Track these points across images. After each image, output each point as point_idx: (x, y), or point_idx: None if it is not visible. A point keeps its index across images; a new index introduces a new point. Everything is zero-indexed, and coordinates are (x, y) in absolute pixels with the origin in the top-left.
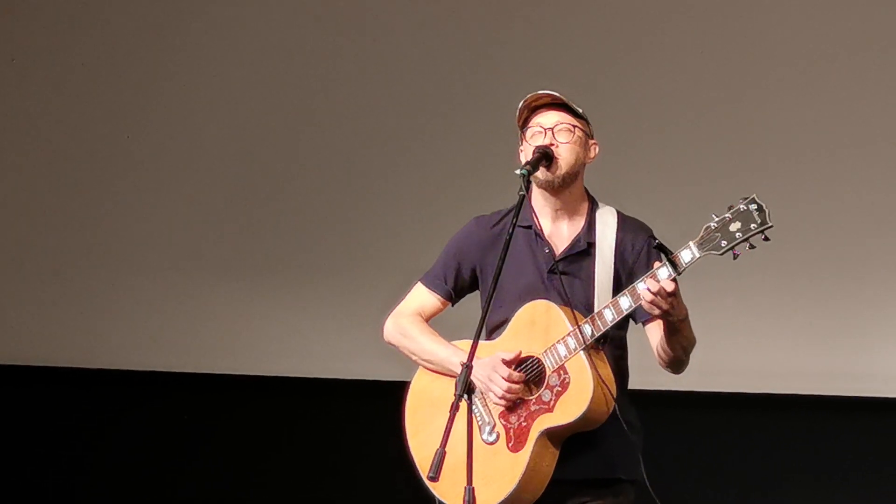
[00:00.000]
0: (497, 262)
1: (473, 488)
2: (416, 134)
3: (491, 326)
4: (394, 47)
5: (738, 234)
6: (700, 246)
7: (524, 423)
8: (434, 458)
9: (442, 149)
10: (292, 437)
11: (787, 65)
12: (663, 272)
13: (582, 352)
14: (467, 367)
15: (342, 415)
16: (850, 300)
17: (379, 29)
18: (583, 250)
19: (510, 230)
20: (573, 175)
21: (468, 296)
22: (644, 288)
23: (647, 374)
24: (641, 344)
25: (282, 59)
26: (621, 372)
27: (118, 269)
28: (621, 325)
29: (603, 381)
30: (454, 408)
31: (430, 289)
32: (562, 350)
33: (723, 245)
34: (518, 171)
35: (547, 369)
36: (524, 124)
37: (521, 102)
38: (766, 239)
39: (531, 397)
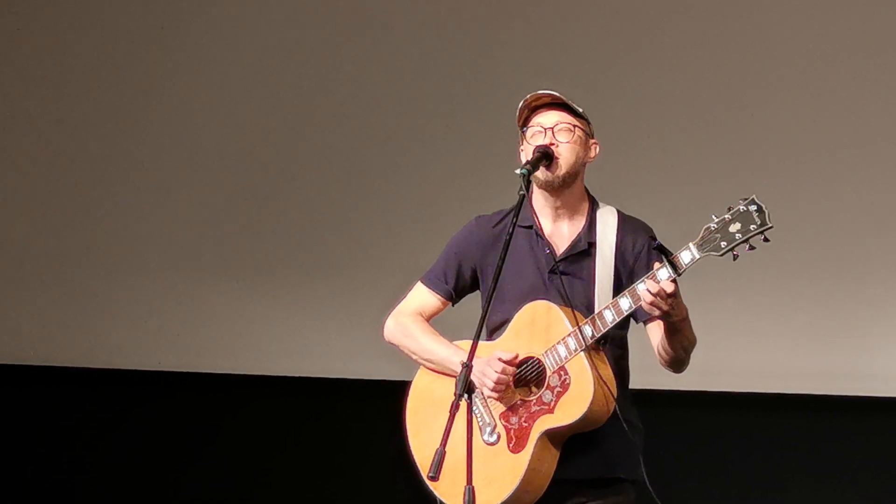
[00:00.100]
0: (497, 262)
1: (473, 488)
2: (416, 134)
3: (491, 327)
4: (394, 47)
5: (737, 234)
6: (700, 247)
7: (525, 424)
8: (434, 457)
9: (442, 149)
10: (292, 437)
11: (787, 65)
12: (663, 273)
13: (582, 353)
14: (467, 367)
15: (342, 415)
16: (850, 300)
17: (379, 29)
18: (583, 250)
19: (510, 230)
20: (573, 175)
21: (468, 296)
22: (644, 289)
23: (648, 373)
24: (642, 344)
25: (282, 59)
26: (622, 372)
27: (118, 268)
28: (622, 325)
29: (603, 381)
30: (454, 407)
31: (430, 288)
32: (562, 351)
33: (722, 246)
34: (518, 171)
35: (547, 370)
36: (524, 124)
37: (522, 102)
38: (766, 240)
39: (532, 398)
